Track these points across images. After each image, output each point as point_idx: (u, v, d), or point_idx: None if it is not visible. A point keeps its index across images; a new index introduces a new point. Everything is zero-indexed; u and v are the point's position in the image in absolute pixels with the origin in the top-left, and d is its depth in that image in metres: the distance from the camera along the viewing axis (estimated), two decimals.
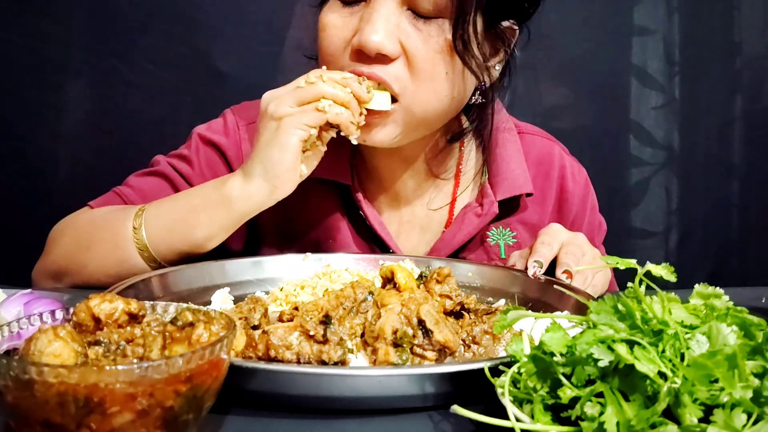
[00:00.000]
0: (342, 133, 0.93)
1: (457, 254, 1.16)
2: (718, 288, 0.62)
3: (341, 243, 1.13)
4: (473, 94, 1.07)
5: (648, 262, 0.60)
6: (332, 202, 1.14)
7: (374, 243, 1.14)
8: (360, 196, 1.13)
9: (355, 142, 0.95)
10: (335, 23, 0.99)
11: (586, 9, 1.96)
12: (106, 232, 1.00)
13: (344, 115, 0.89)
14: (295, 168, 0.91)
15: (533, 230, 1.15)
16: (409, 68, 0.96)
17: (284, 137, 0.89)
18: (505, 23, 1.03)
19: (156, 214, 0.97)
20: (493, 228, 1.17)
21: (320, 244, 1.13)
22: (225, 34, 1.86)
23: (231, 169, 1.13)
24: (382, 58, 0.95)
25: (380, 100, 0.94)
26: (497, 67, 1.06)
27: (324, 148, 0.95)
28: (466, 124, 1.15)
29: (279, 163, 0.90)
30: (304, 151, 0.92)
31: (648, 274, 0.58)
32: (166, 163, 1.13)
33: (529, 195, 1.17)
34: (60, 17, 1.84)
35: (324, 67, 0.92)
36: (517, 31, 1.05)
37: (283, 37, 1.87)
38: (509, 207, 1.17)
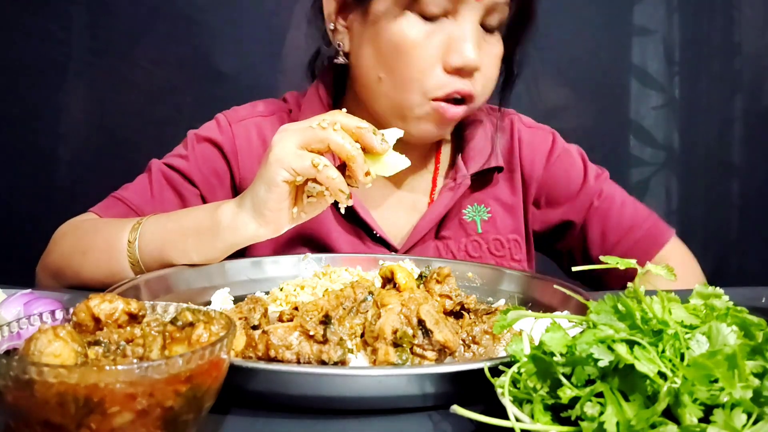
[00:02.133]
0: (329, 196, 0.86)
1: (438, 233, 1.18)
2: (718, 288, 0.62)
3: (323, 229, 1.13)
4: None
5: (648, 262, 0.60)
6: None
7: (357, 225, 1.15)
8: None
9: (342, 210, 0.87)
10: (421, 39, 1.02)
11: (586, 9, 1.97)
12: (102, 241, 1.00)
13: (335, 181, 0.81)
14: (281, 209, 0.85)
15: (505, 206, 1.22)
16: (481, 76, 1.07)
17: (270, 174, 0.83)
18: None
19: (151, 230, 0.96)
20: (469, 206, 1.20)
21: (302, 230, 1.07)
22: (225, 34, 1.86)
23: (228, 163, 1.15)
24: (471, 72, 1.04)
25: (394, 161, 0.85)
26: None
27: (331, 200, 0.86)
28: None
29: (264, 201, 0.85)
30: (308, 196, 0.87)
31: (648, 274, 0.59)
32: (161, 164, 1.15)
33: (499, 170, 1.20)
34: (60, 17, 1.84)
35: (344, 110, 0.86)
36: None
37: (283, 37, 1.88)
38: (482, 182, 1.21)
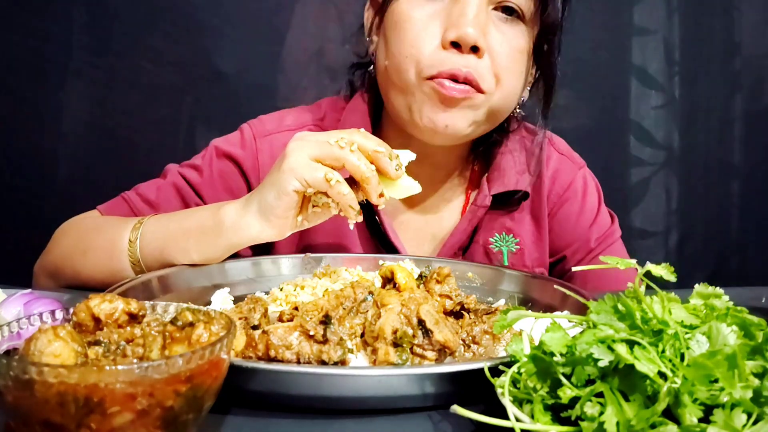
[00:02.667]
0: (341, 213, 0.88)
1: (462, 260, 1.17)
2: (718, 288, 0.62)
3: (351, 246, 1.13)
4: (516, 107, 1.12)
5: (648, 262, 0.60)
6: None
7: (385, 249, 1.14)
8: None
9: (351, 226, 0.89)
10: (421, 16, 1.01)
11: (586, 9, 1.96)
12: (103, 240, 1.00)
13: (346, 197, 0.83)
14: (287, 216, 0.86)
15: (533, 237, 1.17)
16: (493, 65, 1.01)
17: (282, 182, 0.84)
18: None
19: (152, 230, 0.96)
20: (496, 234, 1.16)
21: (330, 245, 1.12)
22: (225, 34, 1.86)
23: (247, 180, 1.14)
24: (474, 52, 0.99)
25: (407, 184, 0.88)
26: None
27: (335, 211, 0.87)
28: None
29: (272, 207, 0.85)
30: (313, 206, 0.88)
31: (648, 274, 0.58)
32: (176, 172, 1.14)
33: (524, 195, 1.16)
34: (60, 17, 1.84)
35: (362, 129, 0.87)
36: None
37: (283, 37, 1.88)
38: (509, 207, 1.17)
